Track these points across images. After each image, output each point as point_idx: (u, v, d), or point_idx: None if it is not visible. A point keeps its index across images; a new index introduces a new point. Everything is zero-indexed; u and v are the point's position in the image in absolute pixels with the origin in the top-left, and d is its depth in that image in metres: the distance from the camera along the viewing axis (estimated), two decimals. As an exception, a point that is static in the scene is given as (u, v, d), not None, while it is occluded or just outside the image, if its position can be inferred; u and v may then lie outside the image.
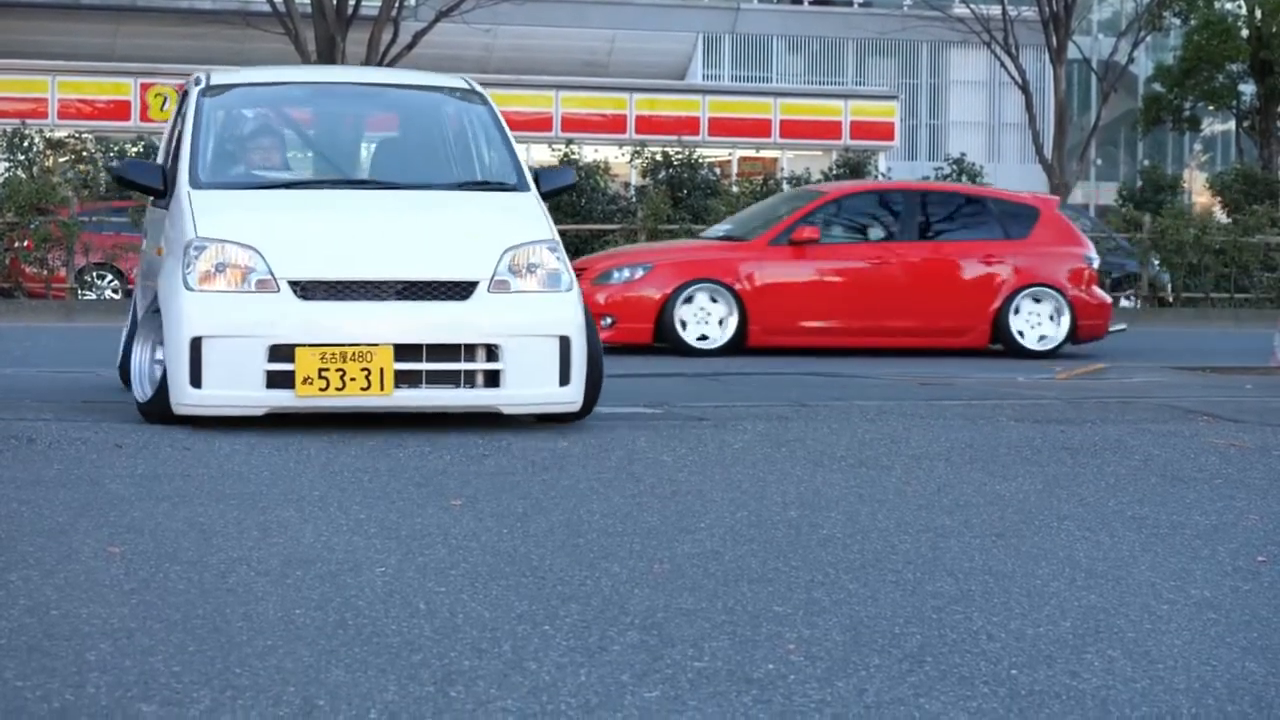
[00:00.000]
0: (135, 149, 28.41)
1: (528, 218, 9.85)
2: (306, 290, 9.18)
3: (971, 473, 8.60)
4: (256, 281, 9.15)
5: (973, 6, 39.93)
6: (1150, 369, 15.75)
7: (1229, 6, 45.55)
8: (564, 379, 9.38)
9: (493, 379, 9.29)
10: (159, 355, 9.39)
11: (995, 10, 39.75)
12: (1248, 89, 44.75)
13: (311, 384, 8.99)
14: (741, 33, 50.71)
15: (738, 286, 18.06)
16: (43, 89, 36.73)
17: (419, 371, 9.19)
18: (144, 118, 36.38)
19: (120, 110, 36.84)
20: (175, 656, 4.90)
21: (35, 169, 28.15)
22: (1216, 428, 10.43)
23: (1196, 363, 16.79)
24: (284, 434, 9.06)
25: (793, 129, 41.43)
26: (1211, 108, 46.39)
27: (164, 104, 36.28)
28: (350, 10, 31.25)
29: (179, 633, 5.16)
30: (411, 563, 6.21)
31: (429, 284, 9.33)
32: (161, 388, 9.26)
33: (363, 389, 9.02)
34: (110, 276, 26.77)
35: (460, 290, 9.33)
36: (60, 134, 30.43)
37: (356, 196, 10.04)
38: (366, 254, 9.34)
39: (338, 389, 9.01)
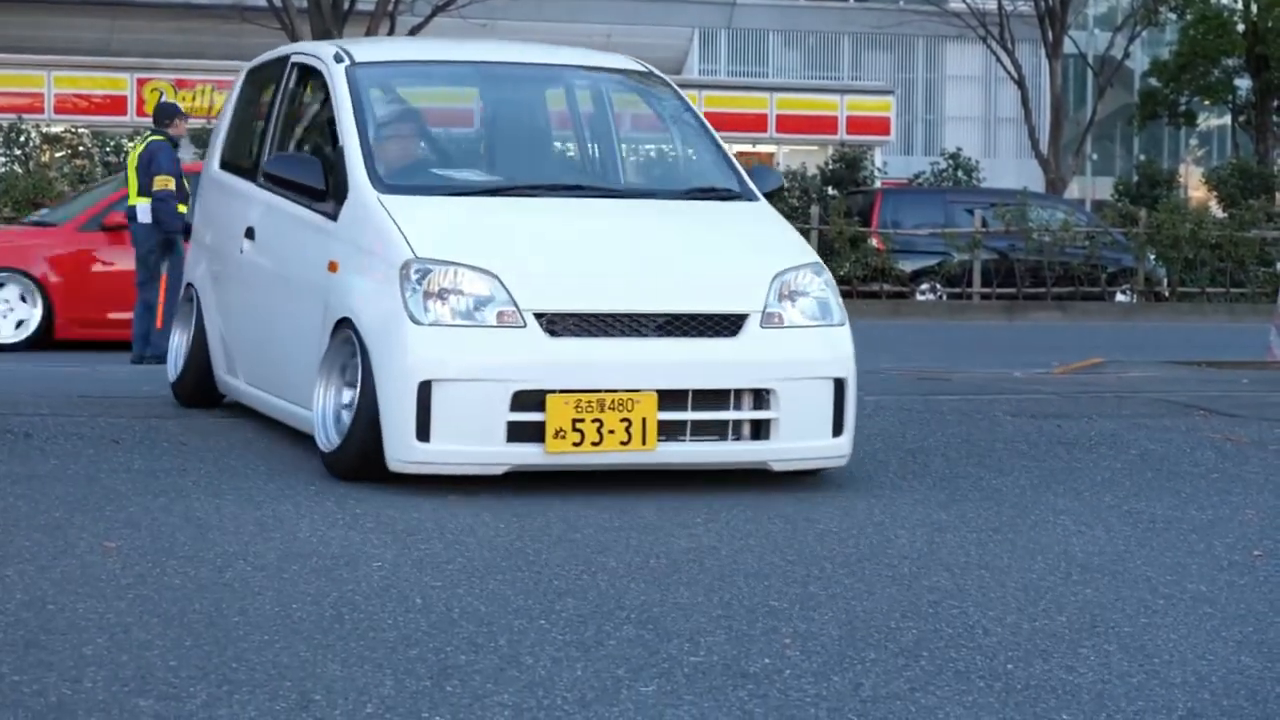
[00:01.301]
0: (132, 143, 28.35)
1: (783, 235, 8.38)
2: (555, 325, 7.49)
3: (967, 467, 8.61)
4: (497, 314, 7.46)
5: (968, 1, 39.94)
6: (1146, 364, 15.77)
7: (1225, 1, 45.55)
8: (837, 428, 7.87)
9: (759, 429, 7.74)
10: (346, 398, 7.74)
11: (991, 5, 39.72)
12: (1243, 84, 44.74)
13: (564, 438, 7.36)
14: (737, 27, 50.70)
15: (40, 275, 16.93)
16: (39, 84, 36.69)
17: (683, 422, 7.60)
18: (140, 112, 36.31)
19: (116, 105, 36.80)
20: (172, 651, 4.91)
21: (31, 164, 28.14)
22: (1212, 422, 10.43)
23: (1192, 357, 16.79)
24: (280, 430, 9.06)
25: (789, 124, 41.42)
26: (1207, 102, 46.37)
27: (160, 98, 36.26)
28: (346, 5, 31.25)
29: (176, 628, 5.16)
30: (407, 557, 6.21)
31: (695, 317, 7.69)
32: (358, 438, 7.56)
33: (622, 443, 7.42)
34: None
35: (729, 325, 7.73)
36: (56, 129, 30.42)
37: (580, 207, 8.38)
38: (620, 280, 7.72)
39: (594, 444, 7.39)
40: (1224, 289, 30.28)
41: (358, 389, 7.57)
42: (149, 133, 15.89)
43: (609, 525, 6.90)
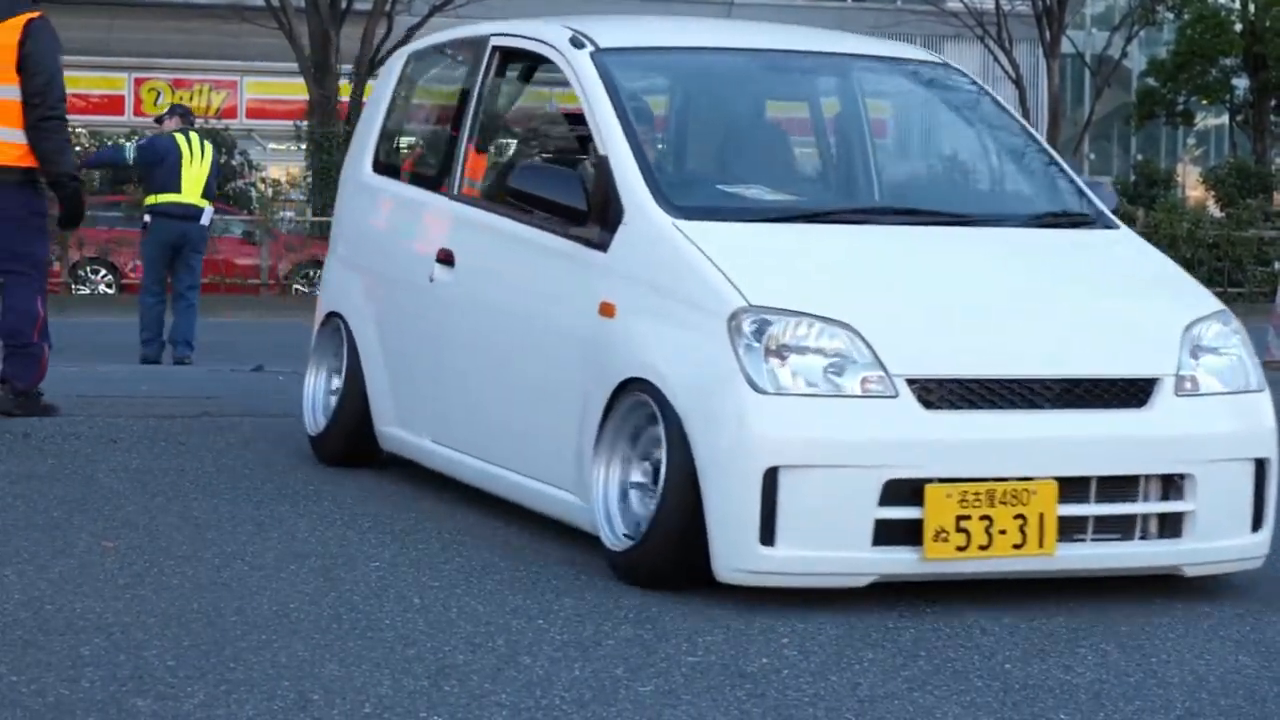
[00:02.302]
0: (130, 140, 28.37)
1: (1176, 275, 6.86)
2: (931, 394, 5.83)
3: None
4: (860, 380, 5.79)
5: (966, 1, 39.94)
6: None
7: (1222, 1, 45.57)
8: (1256, 521, 6.19)
9: (1165, 524, 6.08)
10: (637, 477, 6.13)
11: (989, 5, 39.73)
12: (1241, 83, 44.75)
13: (946, 540, 5.71)
14: (735, 27, 50.77)
15: None
16: (36, 83, 36.69)
17: (1084, 518, 5.94)
18: (137, 111, 36.34)
19: (114, 104, 36.81)
20: (170, 651, 4.90)
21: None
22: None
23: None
24: (278, 430, 9.05)
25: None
26: (1205, 102, 46.38)
27: (157, 99, 36.27)
28: (344, 5, 31.25)
29: (174, 627, 5.16)
30: (405, 557, 6.21)
31: (1099, 383, 6.07)
32: (664, 536, 5.86)
33: (1015, 546, 5.77)
34: (104, 271, 26.75)
35: (1137, 392, 6.10)
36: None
37: (921, 238, 6.64)
38: (1005, 335, 6.12)
39: (981, 547, 5.73)
40: (1222, 288, 30.26)
41: (661, 471, 5.87)
42: (198, 134, 15.83)
43: (607, 525, 6.89)
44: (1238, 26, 43.90)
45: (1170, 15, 45.74)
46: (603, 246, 6.38)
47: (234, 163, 30.40)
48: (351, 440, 7.87)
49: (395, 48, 31.27)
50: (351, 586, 5.75)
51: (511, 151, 7.94)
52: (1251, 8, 43.69)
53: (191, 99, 35.47)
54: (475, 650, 5.02)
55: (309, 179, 31.25)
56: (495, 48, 7.53)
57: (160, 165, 15.29)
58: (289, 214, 30.76)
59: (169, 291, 15.60)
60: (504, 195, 6.98)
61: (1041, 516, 5.78)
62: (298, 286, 27.59)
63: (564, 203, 6.53)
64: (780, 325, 5.81)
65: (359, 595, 5.63)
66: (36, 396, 9.12)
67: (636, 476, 6.09)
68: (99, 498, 7.14)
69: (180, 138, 15.36)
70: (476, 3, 31.98)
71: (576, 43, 6.99)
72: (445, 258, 7.27)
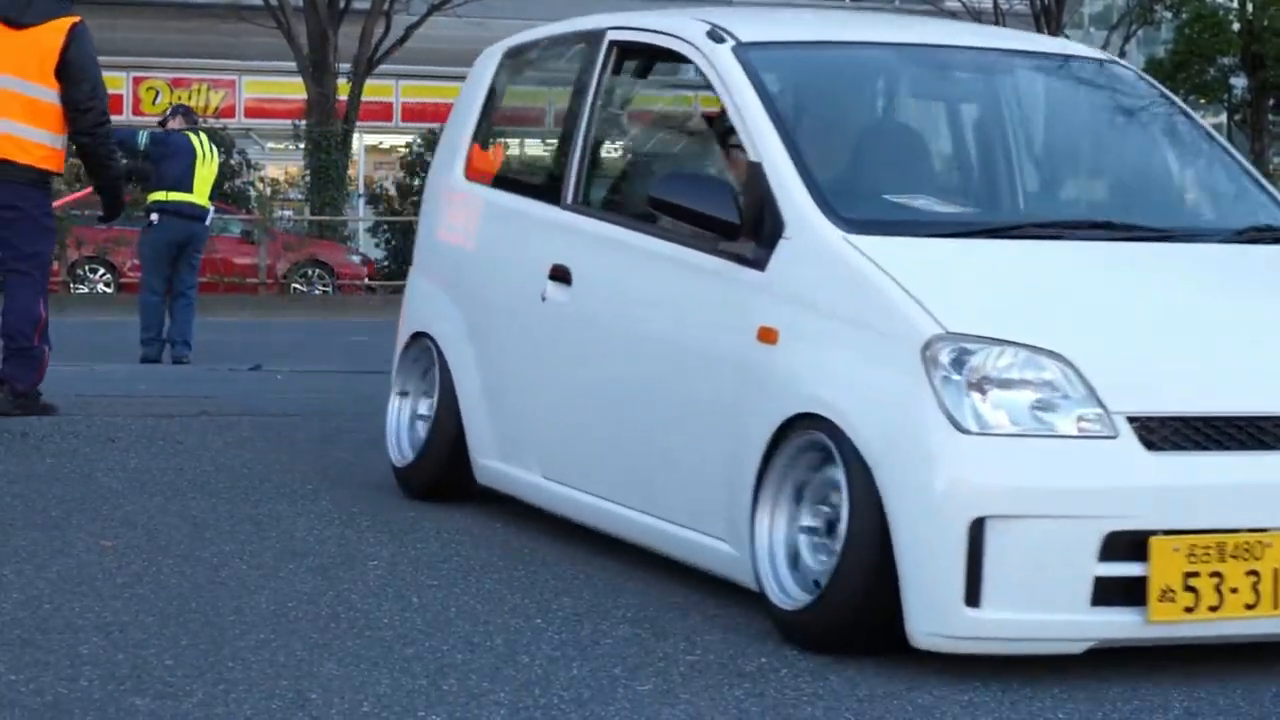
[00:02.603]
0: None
1: None
2: (1153, 434, 5.10)
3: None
4: (1075, 418, 5.07)
5: (964, 1, 39.96)
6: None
7: (1220, 0, 45.58)
8: None
9: None
10: (808, 521, 5.35)
11: (987, 4, 39.72)
12: (1239, 83, 44.75)
13: (1173, 600, 5.01)
14: (734, 26, 50.77)
15: None
16: (35, 83, 36.68)
17: None
18: (136, 111, 36.31)
19: (113, 104, 36.71)
20: (168, 650, 4.90)
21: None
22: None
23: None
24: (276, 429, 9.05)
25: (785, 123, 41.47)
26: (1203, 101, 46.37)
27: (156, 98, 36.25)
28: (342, 4, 31.24)
29: (172, 626, 5.16)
30: (404, 556, 6.21)
31: None
32: (846, 595, 5.13)
33: (1248, 606, 5.06)
34: (102, 270, 26.74)
35: None
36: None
37: (1122, 255, 5.91)
38: (1229, 366, 5.37)
39: (1211, 608, 5.03)
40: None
41: (841, 521, 5.14)
42: (207, 135, 15.81)
43: (605, 524, 6.89)
44: (1235, 26, 43.92)
45: (1168, 15, 45.75)
46: (759, 264, 5.65)
47: (232, 162, 30.39)
48: (444, 473, 7.14)
49: (393, 48, 31.35)
50: (350, 585, 5.74)
51: (635, 157, 7.18)
52: (1249, 7, 43.71)
53: (190, 98, 35.39)
54: (473, 649, 5.02)
55: (307, 178, 31.25)
56: (613, 43, 6.81)
57: (170, 160, 15.22)
58: (287, 213, 30.76)
59: (169, 290, 15.57)
60: (625, 204, 6.56)
61: (1276, 572, 5.08)
62: (296, 286, 27.60)
63: (714, 214, 5.79)
64: (982, 355, 5.08)
65: (357, 594, 5.63)
66: (35, 396, 9.12)
67: (807, 521, 5.35)
68: (97, 497, 7.13)
69: (193, 137, 15.32)
70: (476, 2, 32.00)
71: (715, 37, 6.29)
72: (560, 274, 6.52)
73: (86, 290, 26.46)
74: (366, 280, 28.56)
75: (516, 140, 8.02)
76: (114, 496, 7.16)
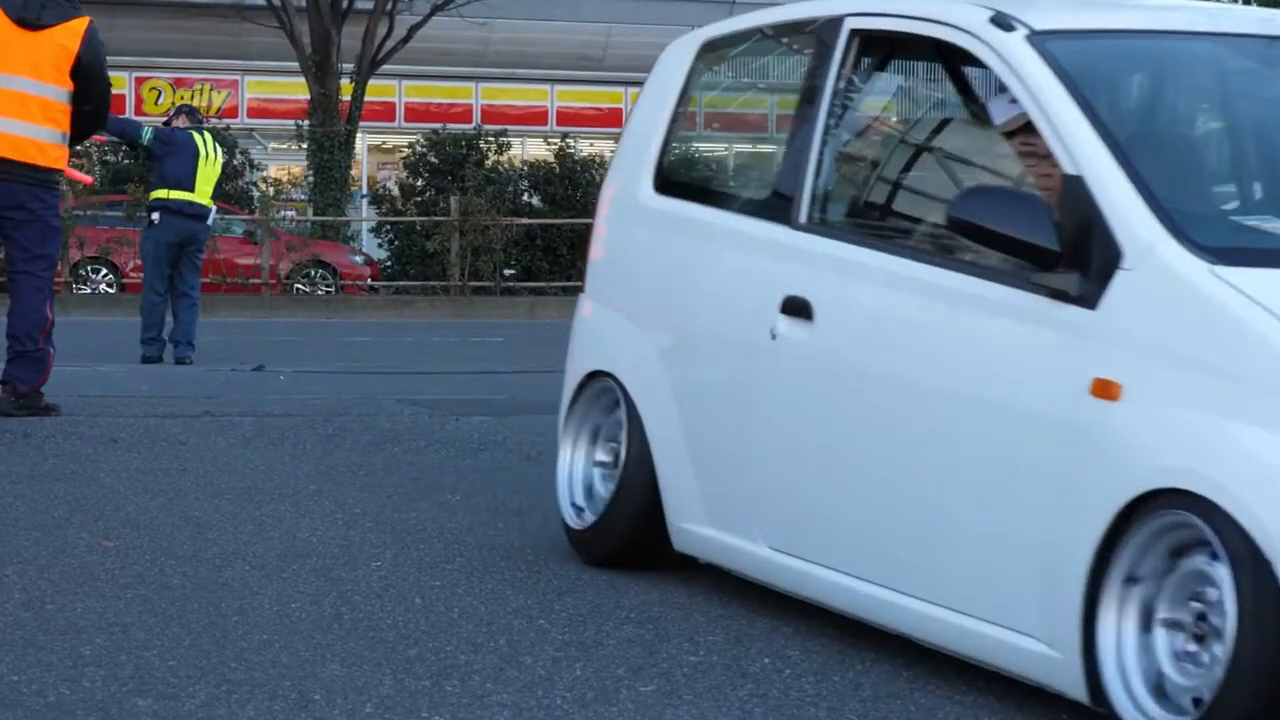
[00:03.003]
0: None
1: None
2: None
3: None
4: None
5: (968, 0, 39.95)
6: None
7: (1221, 1, 45.61)
8: None
9: None
10: (1164, 611, 4.37)
11: (990, 4, 39.75)
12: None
13: None
14: (736, 26, 50.78)
15: None
16: (37, 83, 36.69)
17: None
18: (139, 111, 36.33)
19: (116, 104, 36.78)
20: (171, 651, 4.90)
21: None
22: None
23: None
24: (278, 429, 9.05)
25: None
26: (1206, 101, 46.45)
27: (158, 98, 36.26)
28: (345, 4, 31.25)
29: (174, 627, 5.16)
30: (407, 557, 6.21)
31: None
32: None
33: None
34: (105, 270, 26.75)
35: None
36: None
37: None
38: None
39: None
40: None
41: (1228, 627, 4.14)
42: (211, 134, 15.79)
43: (608, 525, 6.88)
44: (1239, 26, 43.92)
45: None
46: (1087, 300, 4.62)
47: (235, 162, 30.40)
48: (633, 537, 6.03)
49: (397, 47, 31.35)
50: (353, 586, 5.74)
51: (898, 171, 5.84)
52: (1251, 7, 43.71)
53: (193, 98, 35.38)
54: (477, 650, 5.02)
55: (310, 178, 31.25)
56: (855, 32, 5.71)
57: (172, 159, 15.19)
58: (290, 213, 30.76)
59: (172, 290, 15.57)
60: (886, 226, 5.59)
61: None
62: (299, 286, 27.60)
63: (1028, 240, 4.73)
64: None
65: (360, 595, 5.62)
66: (37, 397, 9.12)
67: (1164, 613, 4.35)
68: (100, 497, 7.13)
69: (197, 136, 15.31)
70: (479, 2, 32.01)
71: (1002, 24, 5.19)
72: (795, 308, 5.44)
73: (89, 290, 26.47)
74: (369, 281, 28.57)
75: (718, 147, 6.86)
76: (116, 497, 7.16)
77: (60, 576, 5.76)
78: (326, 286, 27.90)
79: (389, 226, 30.03)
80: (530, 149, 33.60)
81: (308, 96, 31.35)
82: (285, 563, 6.05)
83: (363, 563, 6.09)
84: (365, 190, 34.46)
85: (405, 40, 31.34)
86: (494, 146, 29.83)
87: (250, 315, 23.61)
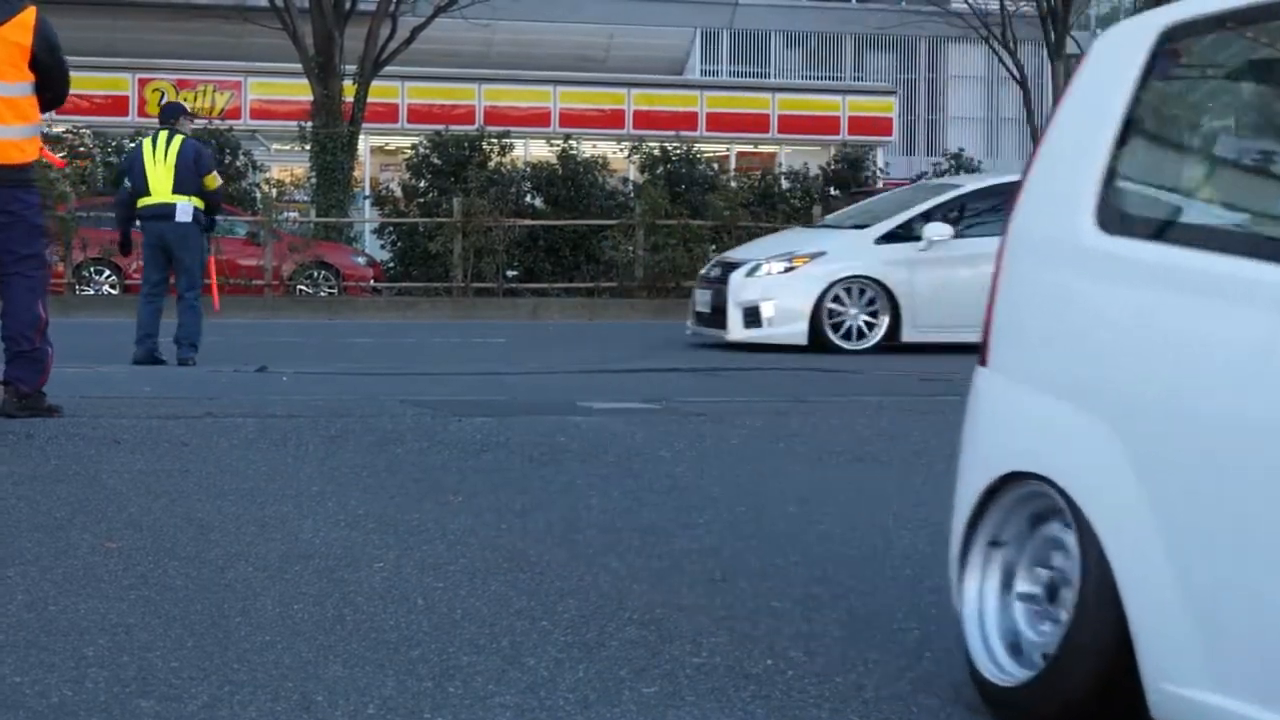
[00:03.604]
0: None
1: None
2: None
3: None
4: None
5: (971, 2, 39.96)
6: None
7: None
8: None
9: None
10: None
11: (994, 5, 39.74)
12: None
13: None
14: (739, 28, 50.72)
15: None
16: (40, 84, 36.67)
17: None
18: (141, 113, 36.34)
19: (118, 105, 36.79)
20: (173, 652, 4.90)
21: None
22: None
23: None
24: (281, 430, 9.05)
25: (790, 124, 41.44)
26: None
27: (161, 99, 36.31)
28: (348, 6, 31.25)
29: (177, 628, 5.16)
30: (409, 558, 6.21)
31: None
32: None
33: None
34: (108, 271, 26.75)
35: None
36: (58, 129, 30.42)
37: None
38: None
39: None
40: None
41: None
42: (168, 130, 15.75)
43: (611, 526, 6.89)
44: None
45: (1174, 16, 45.74)
46: None
47: (238, 163, 30.41)
48: (1089, 699, 4.31)
49: (400, 49, 31.35)
50: (355, 588, 5.74)
51: None
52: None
53: (195, 99, 35.45)
54: (479, 651, 5.02)
55: (312, 180, 31.25)
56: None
57: (130, 175, 15.58)
58: (293, 215, 30.77)
59: (173, 293, 15.62)
60: None
61: None
62: (301, 287, 27.60)
63: None
64: None
65: (363, 596, 5.62)
66: (40, 397, 9.12)
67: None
68: (102, 499, 7.14)
69: (147, 142, 15.44)
70: (482, 3, 32.02)
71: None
72: None
73: (92, 292, 26.48)
74: (372, 282, 28.57)
75: (1210, 170, 4.71)
76: (119, 498, 7.16)
77: (63, 578, 5.76)
78: (329, 288, 27.90)
79: (391, 228, 30.04)
80: (533, 150, 33.62)
81: (310, 98, 31.36)
82: (288, 564, 6.06)
83: (365, 564, 6.09)
84: (368, 191, 34.48)
85: (408, 41, 31.36)
86: (497, 148, 29.84)
87: (253, 316, 23.61)
